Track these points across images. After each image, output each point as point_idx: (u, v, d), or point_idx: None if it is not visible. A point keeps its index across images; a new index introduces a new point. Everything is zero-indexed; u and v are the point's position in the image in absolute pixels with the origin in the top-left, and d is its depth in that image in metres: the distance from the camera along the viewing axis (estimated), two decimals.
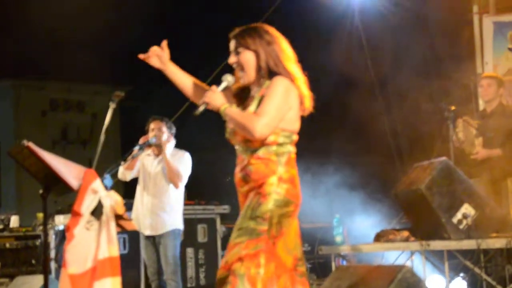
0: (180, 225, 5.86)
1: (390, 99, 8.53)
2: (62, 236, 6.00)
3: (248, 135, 3.25)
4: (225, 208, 7.64)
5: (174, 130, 5.96)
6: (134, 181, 6.04)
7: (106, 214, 3.82)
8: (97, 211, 3.85)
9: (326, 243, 6.61)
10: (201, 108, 3.33)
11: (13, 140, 18.47)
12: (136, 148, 5.56)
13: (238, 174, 3.38)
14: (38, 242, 6.54)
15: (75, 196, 4.05)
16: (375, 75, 8.30)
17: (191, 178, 5.97)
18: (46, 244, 4.45)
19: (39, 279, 5.42)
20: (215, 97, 3.30)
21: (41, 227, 6.54)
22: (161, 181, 5.84)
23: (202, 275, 7.34)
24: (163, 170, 5.82)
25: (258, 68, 3.34)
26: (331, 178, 8.19)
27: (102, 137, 4.24)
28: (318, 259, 7.67)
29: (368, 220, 7.46)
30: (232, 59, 3.38)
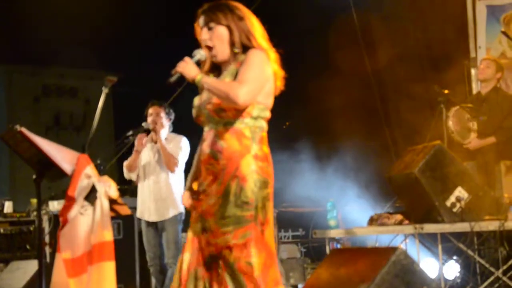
0: (181, 209, 5.89)
1: (384, 84, 8.53)
2: (56, 222, 6.00)
3: (230, 103, 3.07)
4: None
5: (173, 115, 5.96)
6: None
7: (100, 199, 3.83)
8: (90, 196, 3.86)
9: (320, 227, 6.63)
10: (174, 78, 3.18)
11: (5, 125, 18.42)
12: (129, 133, 5.57)
13: (206, 150, 3.19)
14: (32, 227, 6.55)
15: (68, 181, 4.05)
16: (370, 61, 8.28)
17: (189, 162, 5.97)
18: (40, 230, 4.45)
19: (33, 264, 5.44)
20: (189, 67, 3.15)
21: (35, 213, 6.54)
22: (160, 168, 5.88)
23: None
24: (160, 156, 5.84)
25: (231, 44, 3.22)
26: (325, 163, 8.21)
27: (95, 123, 4.23)
28: (312, 243, 7.70)
29: (362, 204, 7.49)
30: (204, 35, 3.23)
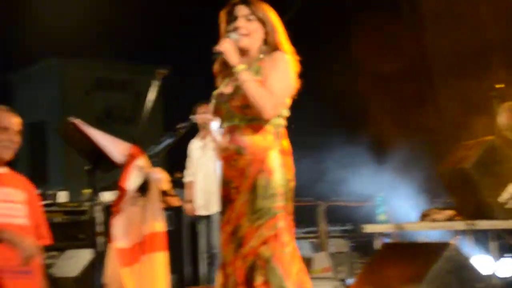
0: None
1: (437, 80, 8.43)
2: (108, 212, 6.11)
3: (256, 110, 3.13)
4: None
5: None
6: (180, 157, 6.16)
7: (151, 190, 3.87)
8: (142, 187, 3.91)
9: (369, 221, 6.59)
10: (217, 56, 3.23)
11: (58, 118, 18.78)
12: (181, 125, 5.63)
13: (228, 146, 3.24)
14: (85, 217, 6.68)
15: (120, 172, 4.12)
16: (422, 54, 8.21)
17: None
18: (93, 220, 4.54)
19: (87, 253, 5.54)
20: (232, 51, 3.19)
21: (87, 203, 6.67)
22: (209, 163, 6.02)
23: None
24: (210, 152, 5.99)
25: (263, 41, 3.29)
26: (375, 157, 8.16)
27: (146, 115, 4.28)
28: (361, 237, 7.66)
29: (412, 200, 7.42)
30: (241, 23, 3.26)
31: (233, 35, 3.25)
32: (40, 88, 20.04)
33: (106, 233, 5.47)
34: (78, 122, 3.82)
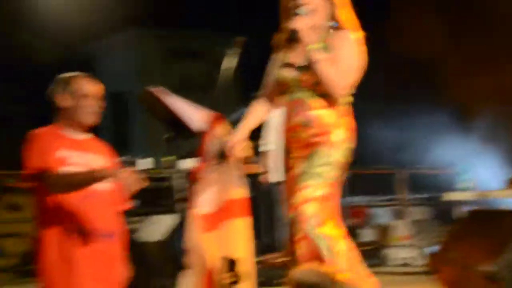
0: None
1: None
2: (189, 179, 6.21)
3: (327, 90, 3.21)
4: None
5: None
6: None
7: (231, 157, 3.90)
8: (222, 155, 3.95)
9: (449, 189, 6.47)
10: (292, 34, 3.25)
11: (139, 87, 19.16)
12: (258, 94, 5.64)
13: (295, 118, 3.33)
14: (166, 184, 6.81)
15: (200, 140, 4.16)
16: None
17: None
18: (174, 186, 4.63)
19: (169, 219, 5.68)
20: (306, 29, 3.22)
21: (168, 170, 6.79)
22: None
23: None
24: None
25: (330, 17, 3.31)
26: (459, 125, 7.98)
27: (222, 83, 4.30)
28: (441, 206, 7.54)
29: (495, 168, 7.23)
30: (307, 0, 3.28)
31: (302, 11, 3.26)
32: (121, 58, 20.47)
33: (187, 200, 5.58)
34: (158, 90, 3.88)
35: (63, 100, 3.26)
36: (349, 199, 9.19)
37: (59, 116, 3.29)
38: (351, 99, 3.35)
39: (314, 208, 3.17)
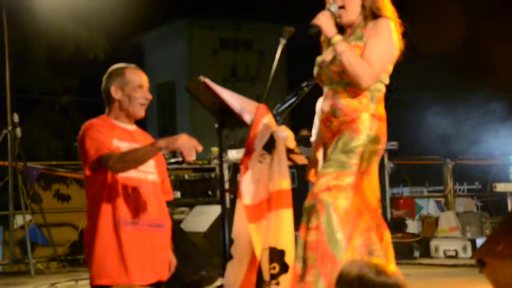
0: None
1: None
2: (235, 169, 6.26)
3: (353, 80, 3.23)
4: (393, 144, 7.57)
5: None
6: (303, 116, 6.16)
7: (277, 148, 3.91)
8: (269, 145, 3.96)
9: (500, 180, 6.36)
10: (313, 30, 3.30)
11: (186, 78, 19.30)
12: (306, 83, 5.63)
13: (326, 108, 3.38)
14: (213, 174, 6.87)
15: (247, 130, 4.19)
16: None
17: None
18: (221, 177, 4.67)
19: (215, 209, 5.72)
20: (328, 24, 3.27)
21: (215, 161, 6.84)
22: None
23: None
24: None
25: (362, 7, 3.32)
26: (509, 115, 7.83)
27: (272, 74, 4.31)
28: (491, 196, 7.42)
29: None
30: None
31: (332, 7, 3.33)
32: (169, 49, 20.64)
33: (234, 190, 5.63)
34: (208, 81, 3.91)
35: (115, 91, 3.31)
36: (396, 190, 9.12)
37: (111, 107, 3.34)
38: (382, 87, 3.34)
39: (331, 198, 3.17)
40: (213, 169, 6.95)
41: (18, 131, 7.38)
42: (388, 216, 7.43)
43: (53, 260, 8.00)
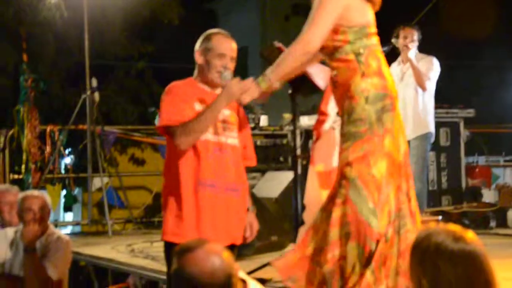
0: (431, 128, 5.98)
1: None
2: (307, 136, 6.25)
3: (307, 54, 3.22)
4: (469, 112, 7.41)
5: (420, 37, 6.00)
6: None
7: None
8: None
9: None
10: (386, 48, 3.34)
11: (259, 44, 19.28)
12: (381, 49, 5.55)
13: (329, 81, 3.38)
14: (285, 140, 6.88)
15: (319, 97, 4.17)
16: None
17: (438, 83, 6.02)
18: (293, 143, 4.67)
19: (287, 175, 5.73)
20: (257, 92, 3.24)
21: (287, 127, 6.84)
22: (409, 88, 5.96)
23: (444, 179, 7.25)
24: (410, 77, 5.93)
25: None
26: None
27: None
28: None
29: None
30: None
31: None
32: (241, 16, 20.66)
33: (306, 156, 5.63)
34: (283, 46, 3.90)
35: (198, 56, 3.32)
36: (472, 159, 8.93)
37: (197, 70, 3.37)
38: (363, 42, 3.23)
39: (354, 171, 3.12)
40: (285, 135, 6.96)
41: (96, 95, 7.57)
42: (463, 185, 7.31)
43: (129, 222, 8.23)
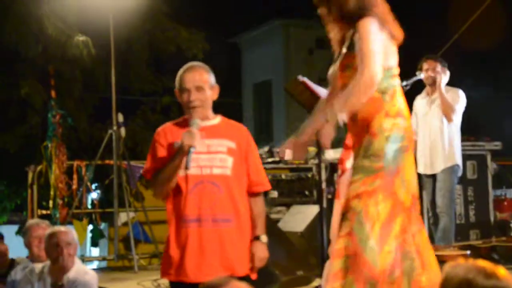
0: (458, 160, 5.90)
1: None
2: (332, 169, 6.24)
3: (371, 89, 3.15)
4: (496, 145, 7.35)
5: (446, 68, 5.97)
6: None
7: None
8: None
9: None
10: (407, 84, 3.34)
11: (283, 78, 19.37)
12: (404, 84, 5.56)
13: (347, 115, 3.30)
14: (310, 174, 6.88)
15: (343, 130, 4.16)
16: None
17: (464, 115, 5.99)
18: (318, 177, 4.67)
19: (313, 208, 5.72)
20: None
21: (312, 160, 6.84)
22: (434, 120, 5.92)
23: (471, 213, 7.17)
24: (436, 109, 5.90)
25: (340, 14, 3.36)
26: None
27: None
28: None
29: None
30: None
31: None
32: (265, 49, 20.80)
33: (332, 190, 5.61)
34: (307, 80, 3.92)
35: (177, 95, 3.36)
36: (500, 192, 8.82)
37: None
38: (390, 81, 3.25)
39: (361, 204, 3.11)
40: (310, 169, 6.96)
41: (123, 130, 7.63)
42: (492, 218, 7.22)
43: (155, 257, 8.21)
